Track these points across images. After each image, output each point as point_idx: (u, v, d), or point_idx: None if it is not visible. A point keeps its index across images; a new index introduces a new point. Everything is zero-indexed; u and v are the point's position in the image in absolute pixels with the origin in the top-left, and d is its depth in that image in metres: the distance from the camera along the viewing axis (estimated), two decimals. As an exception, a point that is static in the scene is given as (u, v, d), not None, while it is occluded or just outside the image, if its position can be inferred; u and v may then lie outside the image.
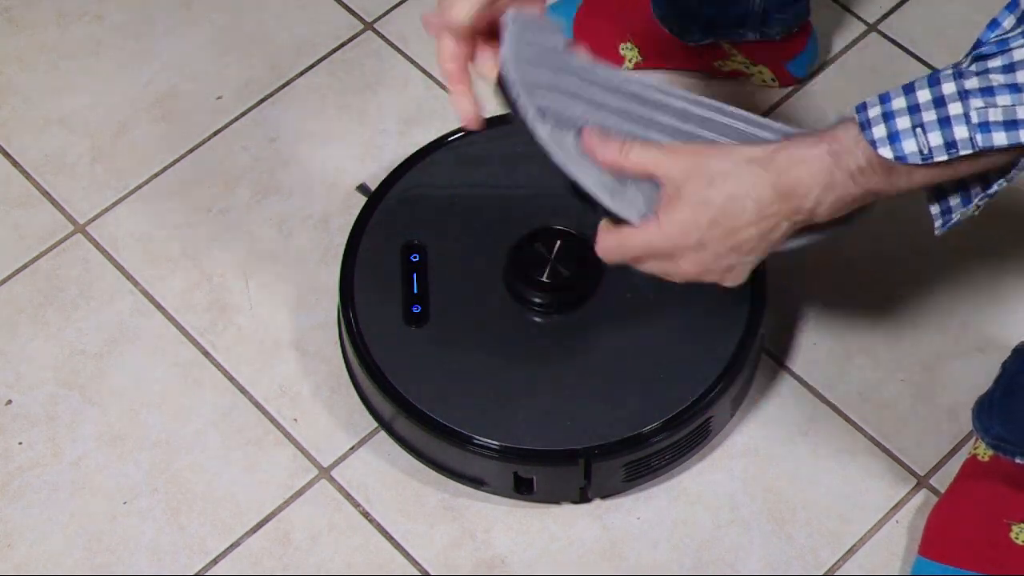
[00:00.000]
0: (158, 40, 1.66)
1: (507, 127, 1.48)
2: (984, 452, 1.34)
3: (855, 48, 1.64)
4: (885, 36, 1.65)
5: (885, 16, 1.66)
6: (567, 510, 1.37)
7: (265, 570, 1.35)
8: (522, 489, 1.36)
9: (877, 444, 1.41)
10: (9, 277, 1.51)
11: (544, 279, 1.38)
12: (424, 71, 1.63)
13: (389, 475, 1.39)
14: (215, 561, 1.36)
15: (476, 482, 1.37)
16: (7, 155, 1.59)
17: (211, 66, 1.64)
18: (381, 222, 1.44)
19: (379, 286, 1.40)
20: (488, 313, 1.38)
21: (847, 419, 1.42)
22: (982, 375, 1.42)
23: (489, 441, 1.32)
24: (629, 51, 1.60)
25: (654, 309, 1.38)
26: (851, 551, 1.35)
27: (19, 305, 1.49)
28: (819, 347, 1.46)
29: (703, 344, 1.37)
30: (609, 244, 1.14)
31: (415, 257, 1.41)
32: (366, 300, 1.39)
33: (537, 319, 1.38)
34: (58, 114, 1.61)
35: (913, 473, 1.39)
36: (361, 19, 1.68)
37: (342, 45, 1.66)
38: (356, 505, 1.38)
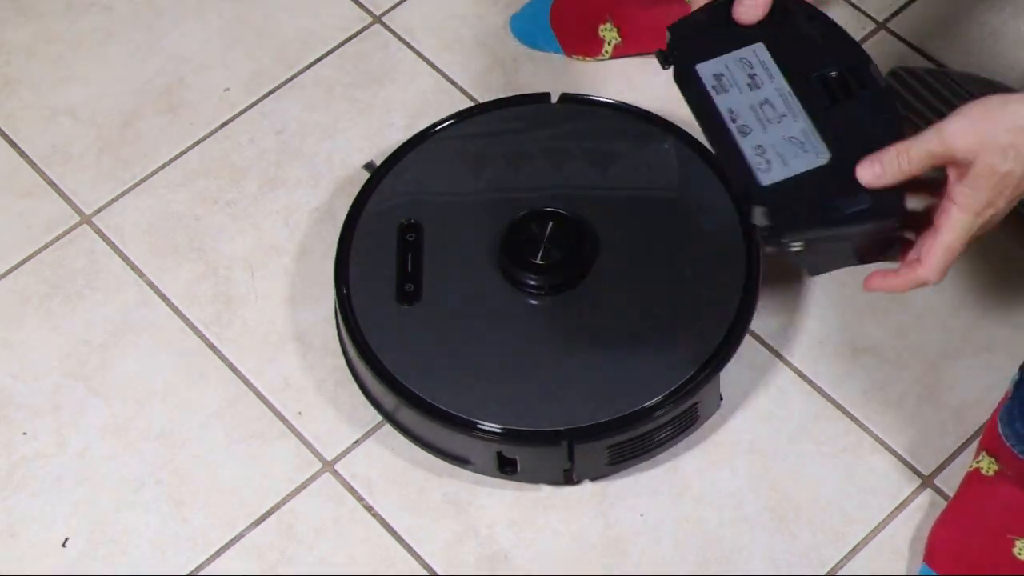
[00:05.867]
0: (166, 31, 1.66)
1: (504, 111, 1.50)
2: (988, 467, 1.34)
3: (864, 46, 1.63)
4: (894, 34, 1.64)
5: (894, 14, 1.66)
6: (571, 505, 1.37)
7: (268, 563, 1.35)
8: (506, 469, 1.36)
9: (882, 443, 1.40)
10: (15, 267, 1.51)
11: (536, 260, 1.38)
12: (432, 64, 1.63)
13: (393, 469, 1.39)
14: (218, 553, 1.36)
15: (460, 460, 1.37)
16: (14, 145, 1.59)
17: (219, 58, 1.64)
18: (379, 202, 1.45)
19: (374, 264, 1.41)
20: (480, 293, 1.39)
21: (852, 418, 1.42)
22: (989, 375, 1.41)
23: (473, 420, 1.33)
24: (608, 32, 1.60)
25: (646, 292, 1.38)
26: (855, 550, 1.35)
27: (25, 295, 1.49)
28: (825, 345, 1.46)
29: (692, 329, 1.37)
30: (937, 263, 1.10)
31: (411, 236, 1.42)
32: (360, 277, 1.40)
33: (529, 300, 1.39)
34: (65, 105, 1.61)
35: (918, 473, 1.39)
36: (369, 12, 1.67)
37: (350, 38, 1.66)
38: (360, 499, 1.38)
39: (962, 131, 1.07)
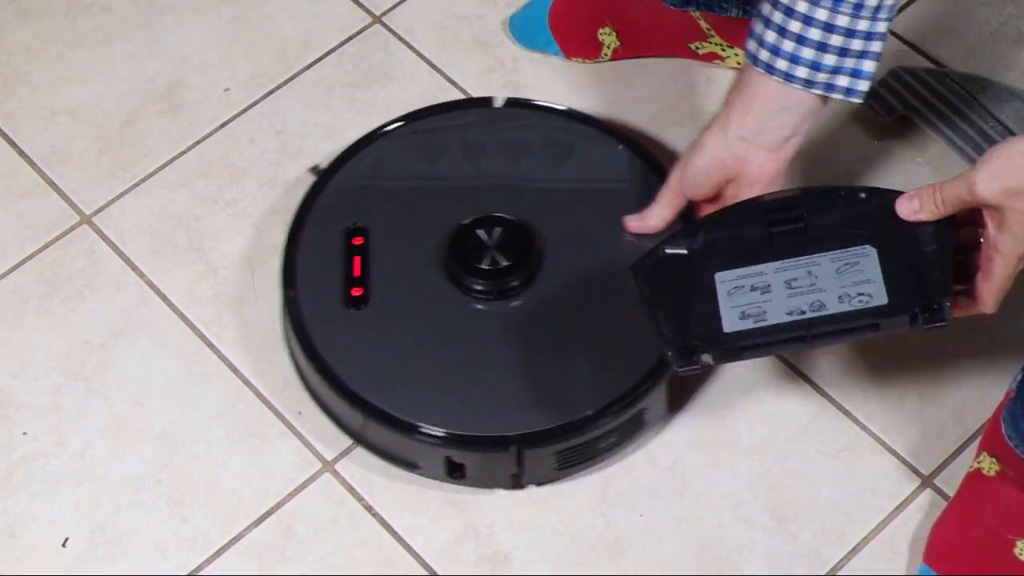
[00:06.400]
0: (166, 31, 1.66)
1: (456, 114, 1.50)
2: (989, 467, 1.34)
3: (864, 46, 1.63)
4: (894, 34, 1.64)
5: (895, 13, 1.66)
6: (571, 505, 1.37)
7: (268, 563, 1.35)
8: (455, 474, 1.36)
9: (882, 443, 1.40)
10: (15, 267, 1.51)
11: (483, 265, 1.38)
12: (431, 65, 1.63)
13: (393, 469, 1.39)
14: (218, 553, 1.36)
15: (409, 465, 1.37)
16: (14, 145, 1.59)
17: (219, 58, 1.64)
18: (327, 205, 1.45)
19: (321, 268, 1.41)
20: (428, 298, 1.39)
21: (852, 418, 1.42)
22: (989, 375, 1.41)
23: (421, 425, 1.33)
24: (607, 36, 1.60)
25: (593, 298, 1.39)
26: (855, 550, 1.35)
27: (24, 295, 1.49)
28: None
29: (640, 335, 1.36)
30: (993, 300, 1.18)
31: (358, 240, 1.42)
32: (307, 281, 1.41)
33: (476, 305, 1.39)
34: (65, 104, 1.61)
35: (918, 473, 1.39)
36: (369, 12, 1.67)
37: (350, 38, 1.66)
38: (359, 499, 1.38)
39: (987, 179, 1.12)
